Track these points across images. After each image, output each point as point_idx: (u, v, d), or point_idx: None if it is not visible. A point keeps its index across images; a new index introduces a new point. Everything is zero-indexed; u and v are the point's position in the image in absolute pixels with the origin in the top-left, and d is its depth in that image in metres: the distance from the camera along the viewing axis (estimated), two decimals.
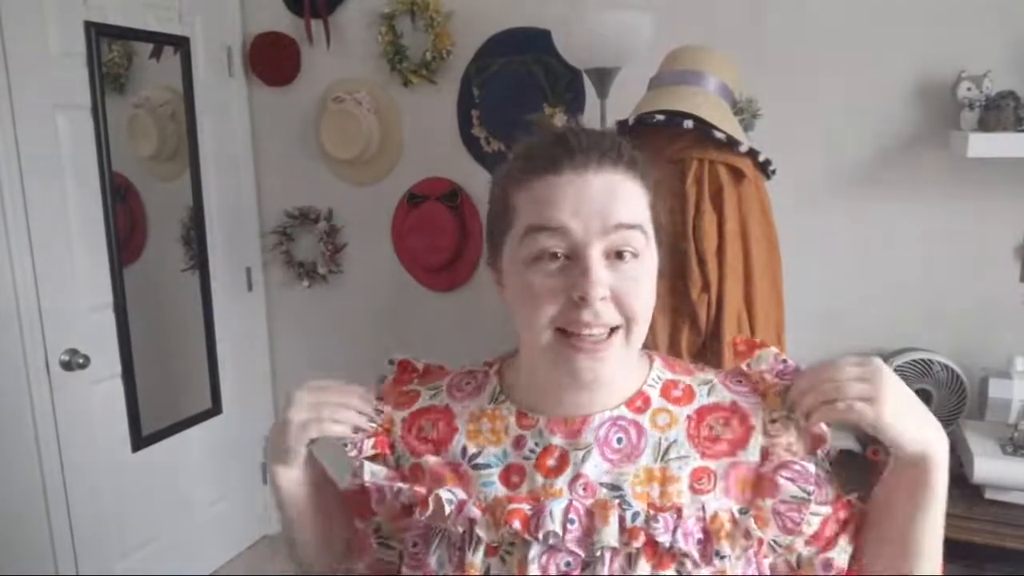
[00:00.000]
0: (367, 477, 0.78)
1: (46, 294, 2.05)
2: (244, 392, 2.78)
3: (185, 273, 2.55)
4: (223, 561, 2.76)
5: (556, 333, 0.70)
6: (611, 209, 0.69)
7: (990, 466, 1.68)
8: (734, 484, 0.72)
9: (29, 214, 2.00)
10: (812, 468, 0.72)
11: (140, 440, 2.36)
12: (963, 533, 1.64)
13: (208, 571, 2.70)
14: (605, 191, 0.70)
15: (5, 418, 2.01)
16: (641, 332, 0.72)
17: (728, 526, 0.70)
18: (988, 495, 1.70)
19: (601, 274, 0.68)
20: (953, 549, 1.71)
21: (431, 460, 0.77)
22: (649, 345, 0.81)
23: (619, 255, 0.70)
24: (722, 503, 0.71)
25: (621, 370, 0.74)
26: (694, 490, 0.71)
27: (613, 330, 0.70)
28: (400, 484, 0.77)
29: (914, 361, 1.88)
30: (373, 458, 0.80)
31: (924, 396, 1.88)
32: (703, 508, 0.70)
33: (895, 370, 1.90)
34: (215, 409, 2.65)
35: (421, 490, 0.75)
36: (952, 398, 1.86)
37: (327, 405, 0.79)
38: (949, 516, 1.66)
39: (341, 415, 0.79)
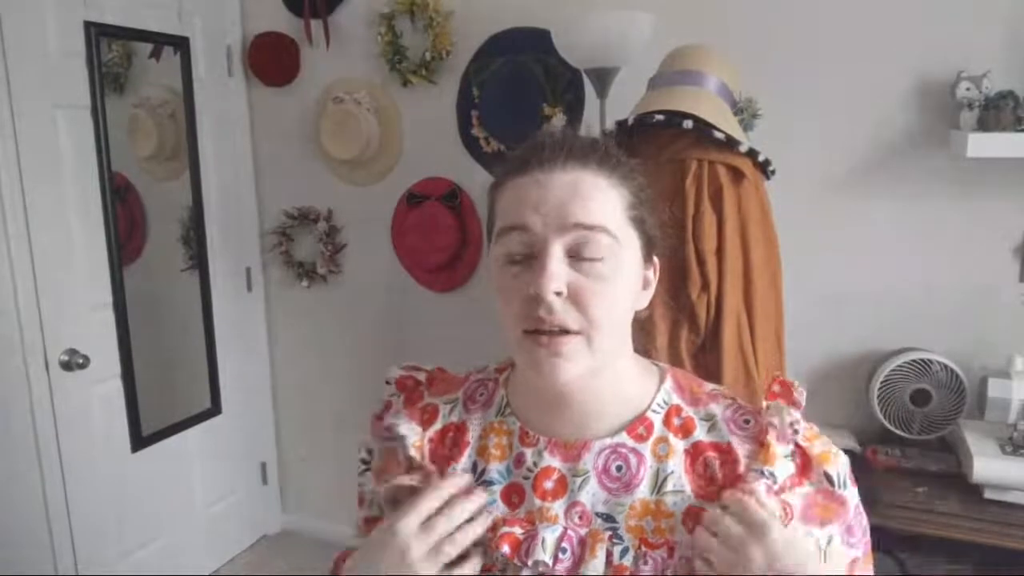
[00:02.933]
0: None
1: (46, 294, 2.05)
2: (244, 392, 2.78)
3: (185, 273, 2.55)
4: (223, 561, 2.77)
5: (523, 334, 0.69)
6: (571, 206, 0.68)
7: (989, 466, 1.68)
8: None
9: (29, 214, 2.00)
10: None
11: (140, 440, 2.36)
12: (963, 533, 1.65)
13: (208, 571, 2.70)
14: (567, 188, 0.69)
15: (5, 418, 2.01)
16: (606, 340, 0.69)
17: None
18: (987, 495, 1.70)
19: (556, 270, 0.66)
20: (953, 549, 1.73)
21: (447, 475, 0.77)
22: (649, 345, 0.80)
23: (581, 254, 0.68)
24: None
25: (607, 381, 0.73)
26: (688, 529, 0.69)
27: (570, 332, 0.67)
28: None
29: (913, 361, 1.88)
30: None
31: (924, 396, 1.88)
32: (692, 550, 0.69)
33: (894, 370, 1.91)
34: (215, 409, 2.65)
35: None
36: (951, 398, 1.86)
37: (440, 534, 0.71)
38: (949, 516, 1.67)
39: (460, 537, 0.71)
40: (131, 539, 2.38)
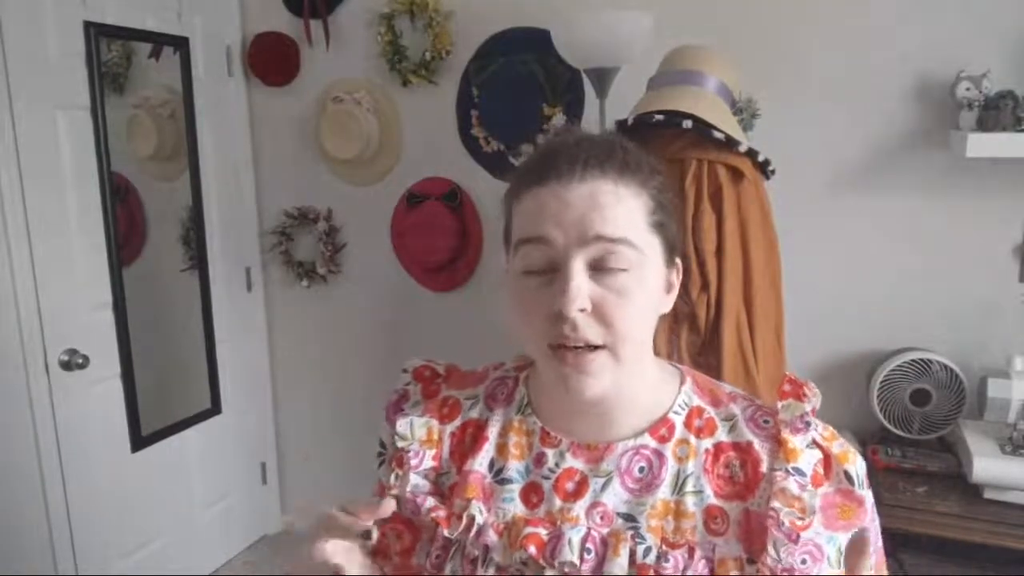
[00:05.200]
0: (408, 488, 0.77)
1: (46, 294, 2.05)
2: (244, 392, 2.78)
3: (185, 273, 2.55)
4: (223, 561, 2.77)
5: (548, 349, 0.68)
6: (591, 219, 0.67)
7: (989, 466, 1.68)
8: (744, 531, 0.69)
9: (29, 214, 2.00)
10: (802, 533, 0.66)
11: (140, 440, 2.36)
12: (962, 533, 1.65)
13: (208, 571, 2.70)
14: (586, 199, 0.67)
15: (5, 418, 2.01)
16: (632, 350, 0.69)
17: (736, 572, 0.67)
18: (987, 495, 1.71)
19: (580, 286, 0.66)
20: (953, 549, 1.73)
21: (464, 471, 0.77)
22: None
23: (604, 267, 0.67)
24: (732, 548, 0.68)
25: (630, 386, 0.72)
26: (709, 529, 0.69)
27: (596, 347, 0.67)
28: (429, 501, 0.76)
29: (913, 361, 1.88)
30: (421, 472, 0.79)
31: (923, 396, 1.88)
32: (713, 550, 0.68)
33: (894, 370, 1.92)
34: (215, 409, 2.65)
35: (441, 514, 0.75)
36: (951, 398, 1.86)
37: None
38: (949, 516, 1.67)
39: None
40: (131, 539, 2.38)
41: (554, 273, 0.68)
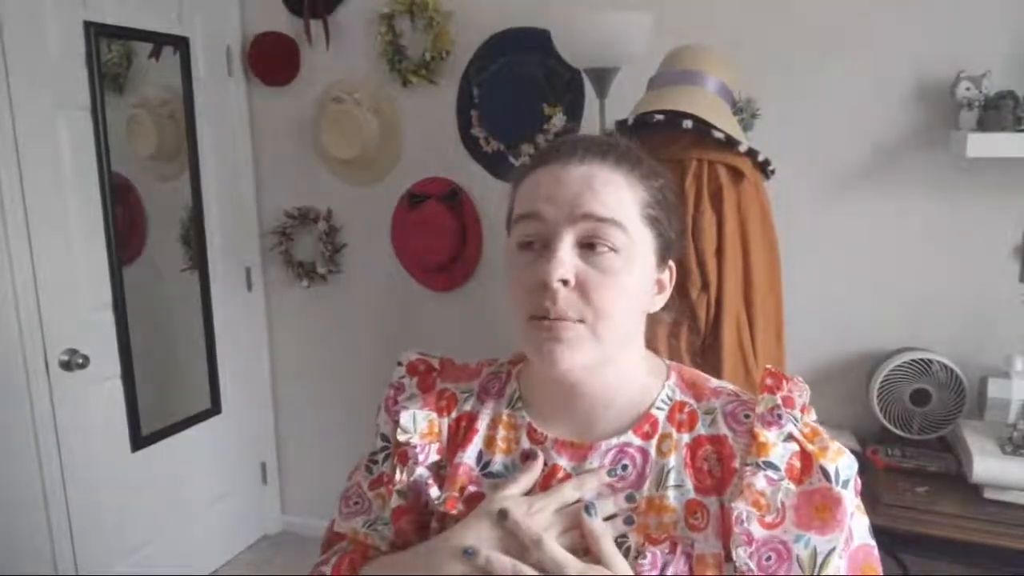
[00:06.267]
0: (413, 478, 0.78)
1: (46, 294, 2.05)
2: (244, 392, 2.78)
3: (185, 273, 2.55)
4: (223, 561, 2.77)
5: (528, 321, 0.70)
6: (583, 198, 0.69)
7: (989, 466, 1.68)
8: (722, 527, 0.68)
9: (29, 214, 2.00)
10: (760, 532, 0.66)
11: (140, 440, 2.36)
12: (962, 533, 1.65)
13: (208, 571, 2.70)
14: (581, 180, 0.70)
15: (5, 418, 2.01)
16: (611, 333, 0.70)
17: (713, 571, 0.67)
18: (987, 495, 1.71)
19: (563, 258, 0.68)
20: (952, 549, 1.73)
21: (454, 463, 0.77)
22: (648, 344, 0.80)
23: (592, 246, 0.69)
24: (711, 545, 0.68)
25: (617, 378, 0.73)
26: (689, 525, 0.69)
27: (572, 320, 0.68)
28: (435, 491, 0.76)
29: (913, 361, 1.88)
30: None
31: (923, 396, 1.88)
32: (692, 546, 0.68)
33: (894, 370, 1.92)
34: (214, 409, 2.65)
35: (446, 509, 0.75)
36: (951, 398, 1.86)
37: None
38: (949, 516, 1.68)
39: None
40: (131, 539, 2.38)
41: (545, 249, 0.70)
